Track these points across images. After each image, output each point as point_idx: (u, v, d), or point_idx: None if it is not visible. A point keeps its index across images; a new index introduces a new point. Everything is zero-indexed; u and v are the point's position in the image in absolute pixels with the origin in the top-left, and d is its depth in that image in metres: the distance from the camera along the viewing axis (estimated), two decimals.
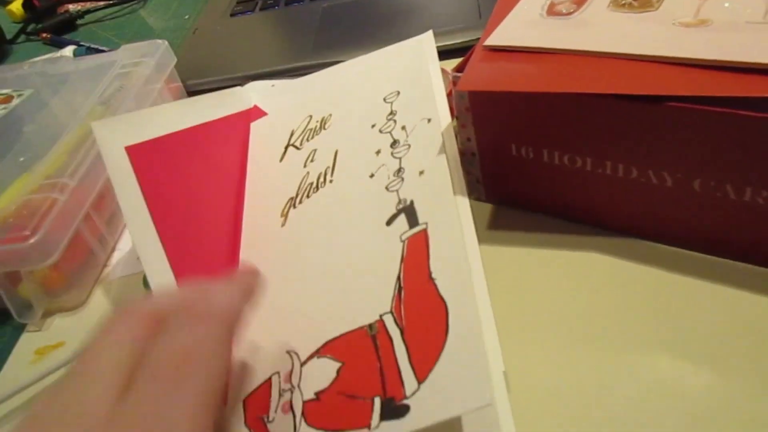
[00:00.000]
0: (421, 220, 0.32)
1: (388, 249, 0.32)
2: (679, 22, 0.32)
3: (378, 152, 0.37)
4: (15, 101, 0.49)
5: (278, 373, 0.30)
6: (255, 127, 0.43)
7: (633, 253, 0.34)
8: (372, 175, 0.36)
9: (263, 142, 0.42)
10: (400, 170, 0.35)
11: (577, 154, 0.33)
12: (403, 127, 0.37)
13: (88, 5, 0.81)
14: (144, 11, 0.80)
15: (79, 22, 0.78)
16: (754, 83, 0.27)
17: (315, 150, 0.39)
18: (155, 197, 0.37)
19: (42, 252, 0.37)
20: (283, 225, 0.37)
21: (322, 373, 0.29)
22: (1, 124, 0.47)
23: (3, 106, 0.49)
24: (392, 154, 0.36)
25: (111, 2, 0.81)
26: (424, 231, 0.31)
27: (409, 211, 0.33)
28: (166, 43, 0.55)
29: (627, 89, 0.29)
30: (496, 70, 0.33)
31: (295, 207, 0.37)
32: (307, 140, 0.40)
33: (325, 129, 0.40)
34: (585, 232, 0.36)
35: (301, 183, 0.38)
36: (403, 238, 0.32)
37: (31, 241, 0.37)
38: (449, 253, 0.30)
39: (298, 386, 0.29)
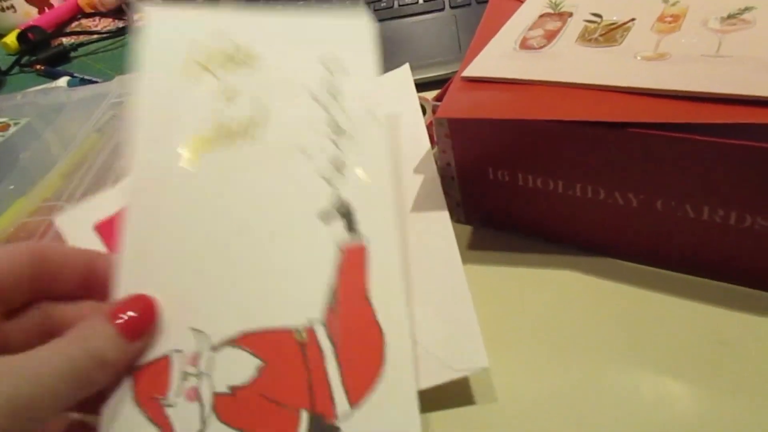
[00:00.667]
0: (361, 231, 0.31)
1: (321, 249, 0.31)
2: (641, 56, 0.34)
3: (316, 130, 0.34)
4: (11, 129, 0.51)
5: (181, 351, 0.28)
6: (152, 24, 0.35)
7: (605, 271, 0.36)
8: (305, 151, 0.33)
9: (167, 48, 0.34)
10: (338, 162, 0.33)
11: (549, 177, 0.35)
12: (345, 110, 0.34)
13: (81, 38, 0.83)
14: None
15: (72, 54, 0.81)
16: (707, 111, 0.30)
17: (235, 89, 0.34)
18: None
19: None
20: (192, 169, 0.32)
21: (238, 367, 0.28)
22: None
23: (0, 133, 0.50)
24: (331, 139, 0.34)
25: (103, 35, 0.84)
26: (364, 248, 0.31)
27: (347, 216, 0.32)
28: None
29: (591, 116, 0.31)
30: (473, 99, 0.36)
31: (209, 152, 0.32)
32: (226, 72, 0.35)
33: (250, 67, 0.35)
34: (560, 251, 0.38)
35: (216, 123, 0.33)
36: (341, 246, 0.31)
37: None
38: (388, 277, 0.30)
39: (207, 373, 0.28)
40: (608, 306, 0.34)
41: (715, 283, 0.34)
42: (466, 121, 0.36)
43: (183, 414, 0.27)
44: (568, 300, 0.35)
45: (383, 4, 0.69)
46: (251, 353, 0.28)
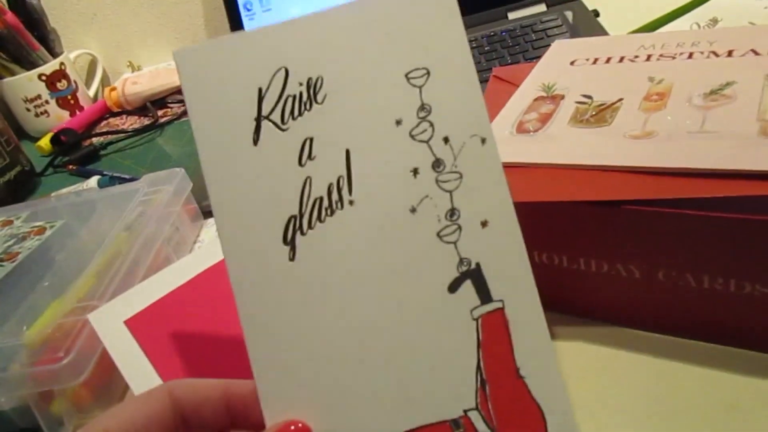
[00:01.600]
0: (494, 294, 0.27)
1: (457, 326, 0.27)
2: (629, 135, 0.36)
3: (415, 172, 0.28)
4: (48, 232, 0.54)
5: None
6: (195, 83, 0.28)
7: (613, 340, 0.37)
8: (413, 210, 0.28)
9: (214, 104, 0.28)
10: (453, 212, 0.28)
11: (553, 253, 0.37)
12: (446, 140, 0.28)
13: (110, 137, 0.89)
14: (161, 139, 0.87)
15: (102, 153, 0.86)
16: (695, 186, 0.31)
17: (310, 138, 0.28)
18: (162, 358, 0.39)
19: (73, 371, 0.41)
20: (292, 259, 0.28)
21: None
22: (35, 254, 0.52)
23: (37, 237, 0.54)
24: (438, 182, 0.28)
25: (130, 133, 0.89)
26: (502, 311, 0.27)
27: (476, 279, 0.28)
28: (183, 170, 0.60)
29: (585, 196, 0.33)
30: None
31: (303, 233, 0.28)
32: (293, 116, 0.28)
33: (318, 102, 0.28)
34: (568, 321, 0.39)
35: (303, 193, 0.28)
36: (476, 315, 0.27)
37: (64, 361, 0.40)
38: (535, 344, 0.27)
39: None
40: (618, 373, 0.35)
41: (723, 347, 0.35)
42: None
43: None
44: (577, 368, 0.36)
45: None
46: None
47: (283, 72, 0.28)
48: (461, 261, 0.27)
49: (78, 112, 0.97)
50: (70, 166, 0.81)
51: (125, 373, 0.39)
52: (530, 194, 0.35)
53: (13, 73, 0.90)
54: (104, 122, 0.97)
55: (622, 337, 0.37)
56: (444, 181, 0.28)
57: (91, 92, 1.04)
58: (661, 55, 0.44)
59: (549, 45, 0.50)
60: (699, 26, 0.65)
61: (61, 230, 0.56)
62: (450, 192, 0.28)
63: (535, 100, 0.43)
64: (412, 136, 0.28)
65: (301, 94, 0.28)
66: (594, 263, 0.36)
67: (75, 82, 0.97)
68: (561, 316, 0.39)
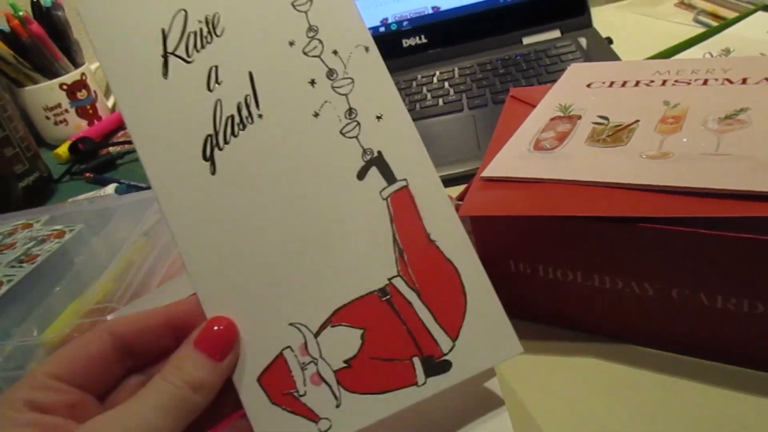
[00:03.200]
0: (397, 174, 0.32)
1: (370, 207, 0.31)
2: (646, 155, 0.37)
3: (313, 83, 0.32)
4: (67, 236, 0.55)
5: (289, 347, 0.30)
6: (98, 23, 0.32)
7: (626, 358, 0.37)
8: (316, 114, 0.32)
9: (122, 46, 0.31)
10: (350, 111, 0.32)
11: (568, 269, 0.37)
12: (335, 52, 0.33)
13: (127, 147, 0.90)
14: None
15: (118, 162, 0.87)
16: (709, 205, 0.32)
17: (215, 66, 0.32)
18: None
19: None
20: (213, 173, 0.31)
21: (343, 341, 0.30)
22: (54, 256, 0.53)
23: (57, 240, 0.55)
24: (333, 88, 0.32)
25: None
26: (407, 189, 0.32)
27: (380, 164, 0.32)
28: None
29: (601, 212, 0.34)
30: (492, 198, 0.39)
31: (220, 148, 0.31)
32: (196, 49, 0.32)
33: (218, 35, 0.32)
34: (581, 339, 0.39)
35: (215, 114, 0.31)
36: (385, 195, 0.32)
37: None
38: (440, 212, 0.32)
39: (321, 357, 0.30)
40: (630, 392, 0.35)
41: (734, 368, 0.35)
42: (487, 218, 0.39)
43: (317, 397, 0.30)
44: (590, 386, 0.36)
45: (406, 107, 0.74)
46: (349, 326, 0.31)
47: (182, 13, 0.32)
48: (365, 151, 0.32)
49: (96, 122, 0.98)
50: (87, 174, 0.83)
51: None
52: (544, 209, 0.36)
53: (35, 82, 0.92)
54: (121, 132, 0.98)
55: (633, 355, 0.38)
56: (339, 86, 0.32)
57: (110, 103, 1.05)
58: (676, 81, 0.45)
59: (563, 70, 0.51)
60: (712, 56, 0.66)
61: (80, 234, 0.56)
62: (345, 95, 0.32)
63: (552, 119, 0.44)
64: (305, 53, 0.32)
65: (201, 30, 0.32)
66: (608, 280, 0.36)
67: (95, 92, 0.98)
68: (573, 332, 0.40)
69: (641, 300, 0.36)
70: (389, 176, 0.32)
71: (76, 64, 0.96)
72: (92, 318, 0.44)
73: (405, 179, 0.32)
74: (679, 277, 0.34)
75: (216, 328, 0.29)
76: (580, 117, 0.44)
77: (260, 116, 0.32)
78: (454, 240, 0.32)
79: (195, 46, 0.32)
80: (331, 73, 0.32)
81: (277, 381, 0.30)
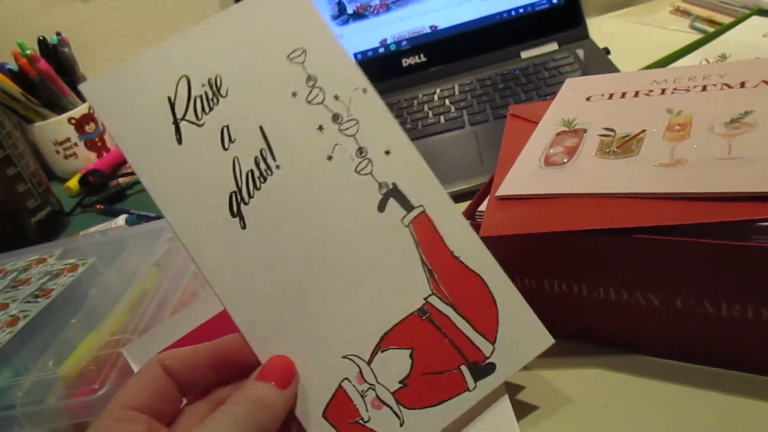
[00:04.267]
0: (414, 202, 0.34)
1: (395, 235, 0.34)
2: (659, 163, 0.37)
3: (321, 128, 0.34)
4: (80, 269, 0.56)
5: (347, 378, 0.32)
6: (105, 102, 0.33)
7: (634, 367, 0.38)
8: (330, 158, 0.34)
9: (133, 121, 0.33)
10: (361, 150, 0.34)
11: (573, 282, 0.38)
12: (336, 97, 0.35)
13: (136, 177, 0.91)
14: None
15: (128, 192, 0.88)
16: (730, 209, 0.32)
17: (226, 126, 0.33)
18: None
19: (108, 402, 0.42)
20: (243, 227, 0.33)
21: (395, 364, 0.33)
22: (69, 290, 0.54)
23: (70, 274, 0.56)
24: (341, 131, 0.34)
25: None
26: (425, 213, 0.34)
27: (396, 195, 0.34)
28: None
29: (628, 223, 0.34)
30: (511, 216, 0.38)
31: (246, 203, 0.33)
32: (205, 112, 0.33)
33: (223, 96, 0.33)
34: (589, 350, 0.40)
35: (235, 171, 0.33)
36: (406, 223, 0.34)
37: (99, 393, 0.41)
38: (457, 229, 0.35)
39: (378, 382, 0.33)
40: (639, 402, 0.36)
41: (742, 374, 0.35)
42: (493, 236, 0.39)
43: (381, 420, 0.32)
44: (599, 397, 0.37)
45: (408, 126, 0.75)
46: (398, 348, 0.33)
47: (185, 80, 0.33)
48: (380, 185, 0.34)
49: (105, 154, 1.00)
50: (98, 206, 0.84)
51: None
52: (569, 224, 0.36)
53: (44, 118, 0.94)
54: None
55: (640, 365, 0.38)
56: (345, 128, 0.34)
57: None
58: (675, 89, 0.45)
59: (562, 82, 0.52)
60: (708, 62, 0.66)
61: (93, 267, 0.57)
62: (353, 136, 0.34)
63: (558, 134, 0.44)
64: (309, 102, 0.34)
65: (206, 93, 0.33)
66: (613, 291, 0.37)
67: (102, 124, 1.00)
68: (581, 344, 0.40)
69: (647, 310, 0.36)
70: (406, 204, 0.34)
71: (84, 99, 0.98)
72: (108, 350, 0.45)
73: (421, 205, 0.34)
74: (683, 287, 0.34)
75: (274, 364, 0.31)
76: (585, 130, 0.44)
77: (278, 167, 0.33)
78: (475, 252, 0.34)
79: (203, 109, 0.33)
80: (336, 118, 0.34)
81: (341, 412, 0.32)
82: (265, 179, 0.33)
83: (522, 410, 0.37)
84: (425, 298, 0.34)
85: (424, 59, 0.87)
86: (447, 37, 0.86)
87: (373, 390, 0.32)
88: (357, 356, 0.33)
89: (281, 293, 0.32)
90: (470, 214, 0.41)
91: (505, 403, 0.35)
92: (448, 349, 0.33)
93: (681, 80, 0.46)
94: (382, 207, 0.34)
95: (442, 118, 0.75)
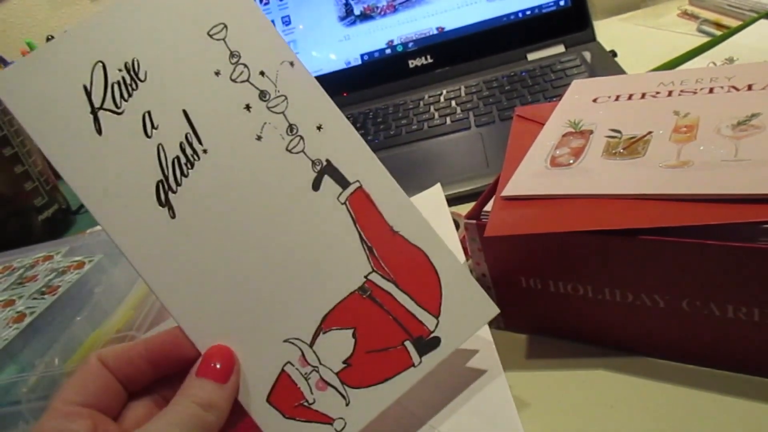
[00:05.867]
0: (349, 178, 0.33)
1: (331, 214, 0.33)
2: (665, 165, 0.37)
3: (248, 107, 0.33)
4: (87, 267, 0.56)
5: (289, 362, 0.32)
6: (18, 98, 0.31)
7: (639, 370, 0.38)
8: (259, 138, 0.33)
9: (48, 113, 0.31)
10: (291, 127, 0.33)
11: (578, 283, 0.38)
12: (262, 73, 0.33)
13: None
14: None
15: None
16: (737, 211, 0.32)
17: (147, 112, 0.32)
18: None
19: None
20: (173, 216, 0.31)
21: (338, 344, 0.32)
22: (75, 287, 0.54)
23: (77, 271, 0.56)
24: (269, 108, 0.33)
25: None
26: (361, 189, 0.34)
27: (331, 172, 0.33)
28: None
29: (634, 224, 0.34)
30: (516, 216, 0.38)
31: (174, 191, 0.31)
32: (124, 99, 0.31)
33: (141, 80, 0.32)
34: (595, 353, 0.39)
35: (160, 158, 0.31)
36: (342, 200, 0.33)
37: None
38: (397, 204, 0.34)
39: (321, 364, 0.32)
40: (644, 404, 0.35)
41: (748, 377, 0.35)
42: (499, 236, 0.39)
43: (327, 401, 0.32)
44: (604, 399, 0.36)
45: (414, 127, 0.76)
46: (340, 328, 0.33)
47: (100, 65, 0.31)
48: (313, 162, 0.33)
49: None
50: None
51: None
52: (574, 224, 0.35)
53: None
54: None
55: (646, 367, 0.38)
56: (274, 106, 0.33)
57: None
58: (682, 91, 0.45)
59: (568, 84, 0.52)
60: (715, 65, 0.66)
61: (99, 265, 0.58)
62: (282, 113, 0.33)
63: (564, 135, 0.44)
64: (233, 80, 0.33)
65: (123, 78, 0.32)
66: (618, 293, 0.36)
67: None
68: (585, 346, 0.40)
69: (652, 312, 0.36)
70: (342, 181, 0.33)
71: None
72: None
73: (357, 181, 0.34)
74: (689, 289, 0.34)
75: (213, 356, 0.31)
76: (592, 132, 0.44)
77: (205, 151, 0.32)
78: (416, 226, 0.34)
79: (122, 95, 0.32)
80: (263, 95, 0.33)
81: (285, 396, 0.31)
82: (192, 165, 0.32)
83: (526, 411, 0.36)
84: (366, 276, 0.33)
85: (430, 60, 0.87)
86: (454, 38, 0.86)
87: (317, 372, 0.32)
88: (298, 339, 0.32)
89: (216, 281, 0.31)
90: (476, 214, 0.41)
91: (506, 395, 0.35)
92: (391, 326, 0.33)
93: (688, 82, 0.46)
94: (316, 185, 0.33)
95: (448, 120, 0.75)
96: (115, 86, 0.31)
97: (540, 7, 0.84)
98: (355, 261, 0.33)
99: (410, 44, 0.87)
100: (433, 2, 0.86)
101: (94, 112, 0.31)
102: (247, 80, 0.33)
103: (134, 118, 0.32)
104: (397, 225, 0.34)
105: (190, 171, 0.32)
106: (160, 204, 0.31)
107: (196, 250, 0.31)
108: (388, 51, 0.88)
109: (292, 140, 0.33)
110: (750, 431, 0.33)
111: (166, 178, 0.31)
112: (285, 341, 0.32)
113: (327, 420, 0.32)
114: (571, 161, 0.41)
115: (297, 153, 0.33)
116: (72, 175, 0.31)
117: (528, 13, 0.85)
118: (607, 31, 0.91)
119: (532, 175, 0.41)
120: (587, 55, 0.80)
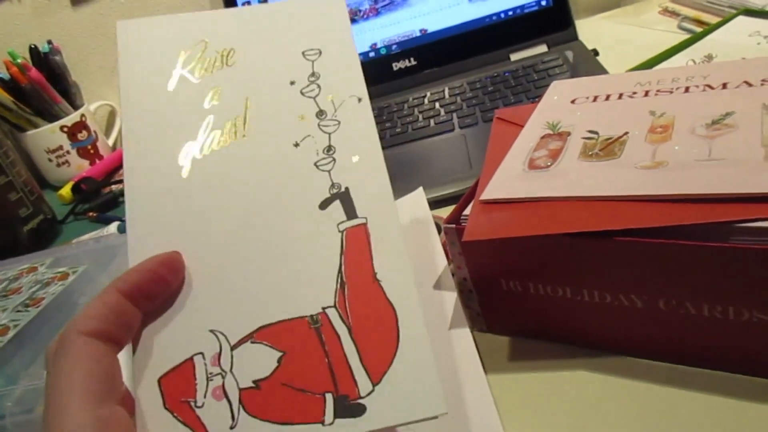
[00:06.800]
0: (359, 212, 0.33)
1: (324, 236, 0.32)
2: (640, 166, 0.37)
3: (302, 118, 0.35)
4: (71, 278, 0.56)
5: (201, 354, 0.29)
6: (130, 36, 0.37)
7: (619, 369, 0.38)
8: (297, 144, 0.34)
9: (143, 58, 0.37)
10: (330, 148, 0.34)
11: (557, 285, 0.38)
12: (330, 99, 0.36)
13: None
14: None
15: (121, 199, 0.88)
16: (709, 211, 0.32)
17: (218, 88, 0.36)
18: None
19: None
20: (185, 176, 0.34)
21: (259, 360, 0.29)
22: (59, 298, 0.54)
23: (60, 282, 0.56)
24: (320, 126, 0.35)
25: None
26: (365, 226, 0.32)
27: (345, 199, 0.33)
28: None
29: (609, 226, 0.34)
30: (494, 220, 0.38)
31: (198, 157, 0.34)
32: (207, 72, 0.36)
33: (228, 65, 0.37)
34: (574, 353, 0.40)
35: (203, 126, 0.35)
36: (342, 228, 0.32)
37: None
38: (392, 254, 0.32)
39: (231, 371, 0.29)
40: (624, 403, 0.36)
41: (725, 374, 0.35)
42: (478, 240, 0.39)
43: (213, 413, 0.28)
44: (585, 399, 0.37)
45: (398, 130, 0.76)
46: (270, 346, 0.30)
47: (203, 43, 0.37)
48: (333, 185, 0.33)
49: (97, 161, 1.00)
50: (91, 213, 0.84)
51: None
52: (551, 227, 0.35)
53: (36, 126, 0.94)
54: (123, 170, 1.00)
55: (626, 366, 0.38)
56: (325, 125, 0.35)
57: (110, 141, 1.07)
58: (658, 91, 0.45)
59: (551, 84, 0.52)
60: (695, 63, 0.67)
61: (84, 275, 0.57)
62: (329, 134, 0.35)
63: (542, 137, 0.44)
64: (302, 93, 0.36)
65: (215, 59, 0.37)
66: (597, 294, 0.37)
67: (95, 132, 1.00)
68: (564, 347, 0.40)
69: (630, 312, 0.36)
70: (351, 212, 0.33)
71: (76, 106, 0.98)
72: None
73: (365, 217, 0.33)
74: (665, 288, 0.34)
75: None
76: (569, 133, 0.44)
77: (244, 136, 0.35)
78: (400, 283, 0.31)
79: (206, 70, 0.36)
80: (321, 113, 0.35)
81: (177, 385, 0.29)
82: (226, 143, 0.34)
83: (507, 412, 0.37)
84: (323, 308, 0.30)
85: (414, 63, 0.87)
86: (437, 40, 0.87)
87: (222, 377, 0.29)
88: (224, 335, 0.30)
89: (187, 240, 0.32)
90: (455, 219, 0.41)
91: (487, 398, 0.35)
92: (321, 370, 0.29)
93: (664, 82, 0.46)
94: (324, 205, 0.33)
95: (431, 122, 0.75)
96: (206, 61, 0.36)
97: (522, 7, 0.85)
98: (321, 289, 0.31)
99: (394, 47, 0.88)
100: (415, 4, 0.86)
101: (177, 71, 0.36)
102: (314, 98, 0.36)
103: (204, 89, 0.36)
104: (382, 273, 0.31)
105: (223, 147, 0.34)
106: (181, 161, 0.34)
107: (186, 210, 0.33)
108: (372, 54, 0.88)
109: (324, 158, 0.34)
110: (730, 428, 0.33)
111: (198, 142, 0.34)
112: (210, 330, 0.30)
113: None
114: (549, 163, 0.41)
115: (323, 171, 0.34)
116: (128, 105, 0.35)
117: (510, 13, 0.85)
118: (589, 29, 0.91)
119: (510, 177, 0.42)
120: (569, 54, 0.80)
